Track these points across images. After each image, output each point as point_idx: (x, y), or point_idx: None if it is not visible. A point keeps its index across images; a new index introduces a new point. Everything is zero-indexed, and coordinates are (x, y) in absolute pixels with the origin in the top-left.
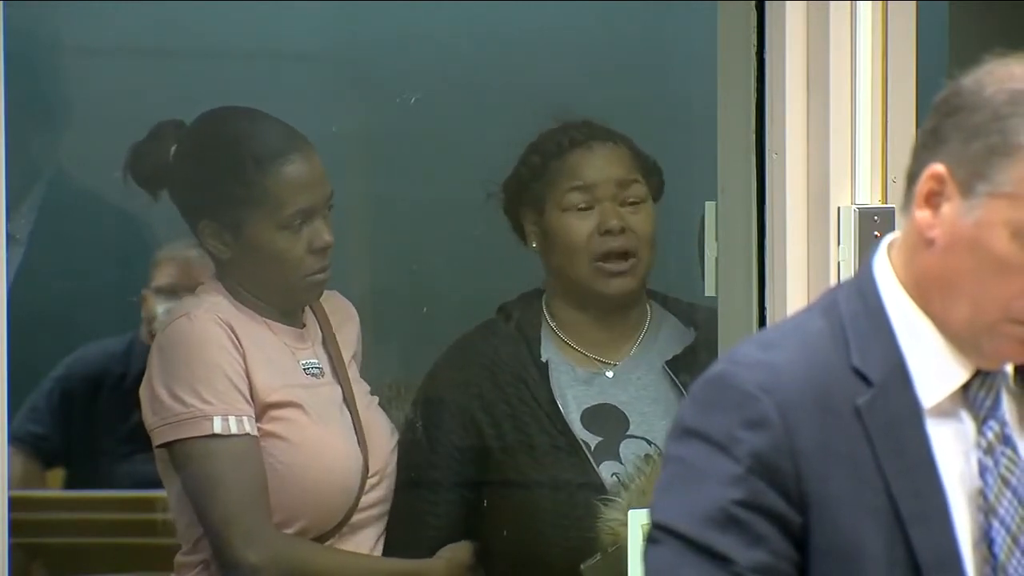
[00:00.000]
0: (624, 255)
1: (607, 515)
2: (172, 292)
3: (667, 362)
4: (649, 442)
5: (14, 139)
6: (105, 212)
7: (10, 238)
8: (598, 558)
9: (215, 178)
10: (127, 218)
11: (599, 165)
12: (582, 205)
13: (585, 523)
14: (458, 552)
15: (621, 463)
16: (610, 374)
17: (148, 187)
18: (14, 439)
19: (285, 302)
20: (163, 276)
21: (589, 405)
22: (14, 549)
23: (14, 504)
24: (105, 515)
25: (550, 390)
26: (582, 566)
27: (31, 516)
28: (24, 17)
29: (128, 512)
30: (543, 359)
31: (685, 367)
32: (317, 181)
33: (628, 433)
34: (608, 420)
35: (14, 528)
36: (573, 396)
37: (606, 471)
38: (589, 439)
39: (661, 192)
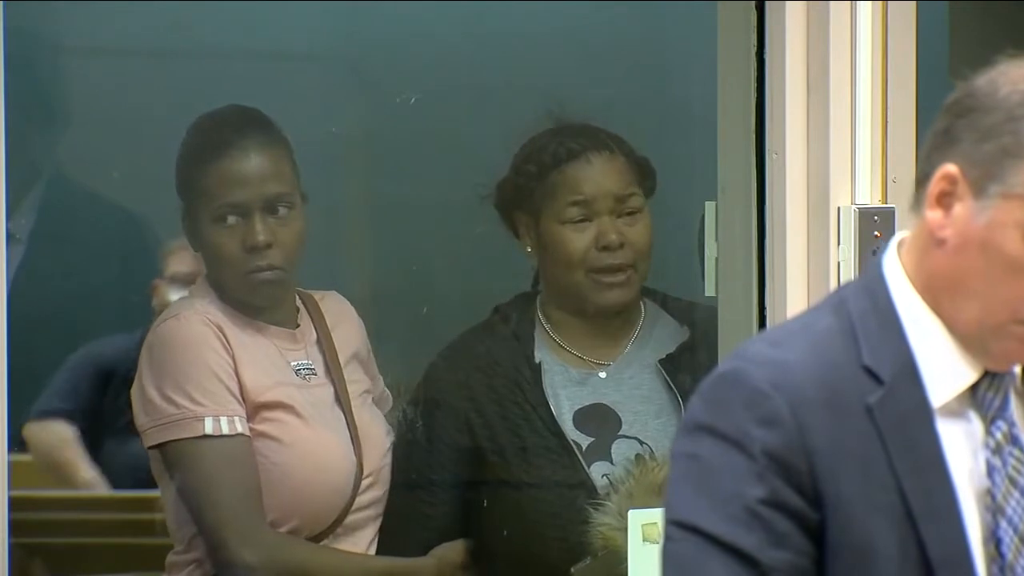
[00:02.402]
0: (621, 268)
1: (598, 520)
2: (186, 280)
3: (660, 360)
4: (641, 442)
5: (14, 139)
6: (105, 212)
7: (10, 237)
8: (588, 561)
9: (181, 170)
10: (127, 217)
11: (597, 179)
12: (579, 218)
13: (576, 524)
14: (450, 551)
15: (612, 464)
16: (603, 374)
17: None
18: (42, 413)
19: (244, 298)
20: (176, 264)
21: (582, 406)
22: (14, 549)
23: (14, 504)
24: (105, 515)
25: (543, 391)
26: (572, 569)
27: (31, 516)
28: (24, 17)
29: (128, 512)
30: (536, 360)
31: (679, 365)
32: (256, 178)
33: (620, 433)
34: (600, 420)
35: (14, 528)
36: (567, 396)
37: (597, 472)
38: (581, 440)
39: (654, 191)
